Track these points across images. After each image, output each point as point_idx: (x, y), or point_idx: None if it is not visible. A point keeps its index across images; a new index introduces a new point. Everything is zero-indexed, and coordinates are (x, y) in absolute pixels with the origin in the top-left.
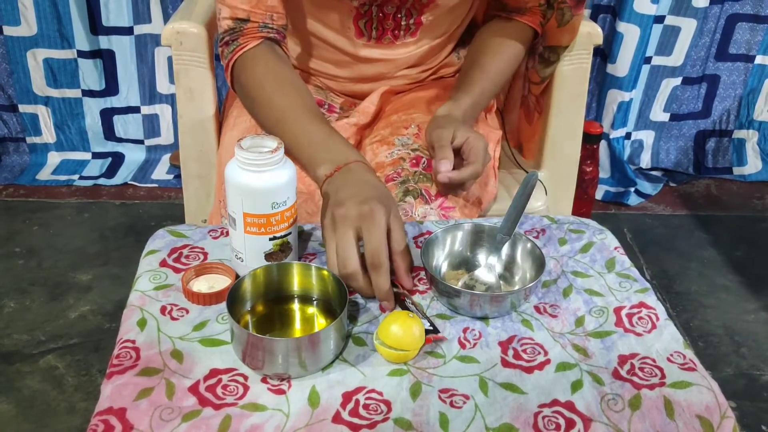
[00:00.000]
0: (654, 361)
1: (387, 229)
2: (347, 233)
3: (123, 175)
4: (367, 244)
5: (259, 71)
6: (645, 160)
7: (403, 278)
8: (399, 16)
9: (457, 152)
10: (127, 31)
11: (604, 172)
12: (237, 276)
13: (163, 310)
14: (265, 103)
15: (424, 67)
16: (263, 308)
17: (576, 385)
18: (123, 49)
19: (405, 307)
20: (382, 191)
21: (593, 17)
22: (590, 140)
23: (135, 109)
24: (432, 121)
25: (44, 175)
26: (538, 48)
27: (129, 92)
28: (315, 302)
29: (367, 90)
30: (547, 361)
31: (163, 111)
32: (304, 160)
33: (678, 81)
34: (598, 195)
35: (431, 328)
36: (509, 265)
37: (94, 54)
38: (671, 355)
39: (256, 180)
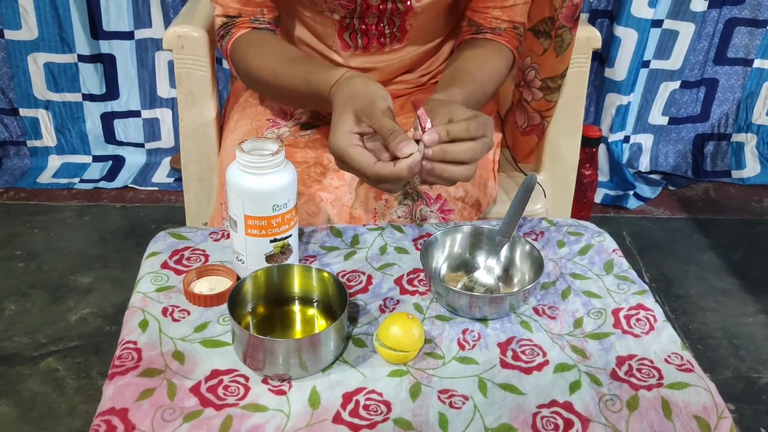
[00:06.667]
0: (652, 362)
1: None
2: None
3: (123, 179)
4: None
5: (244, 50)
6: (644, 164)
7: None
8: (382, 25)
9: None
10: (128, 35)
11: (603, 176)
12: (238, 278)
13: (164, 311)
14: (259, 79)
15: (424, 71)
16: (264, 310)
17: (574, 386)
18: (123, 53)
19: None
20: (343, 116)
21: (591, 21)
22: (589, 144)
23: (135, 113)
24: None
25: (45, 178)
26: (534, 82)
27: (129, 97)
28: (315, 304)
29: None
30: (546, 362)
31: (163, 115)
32: (316, 106)
33: (676, 85)
34: (597, 198)
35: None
36: (508, 267)
37: (94, 58)
38: (669, 356)
39: (257, 182)
